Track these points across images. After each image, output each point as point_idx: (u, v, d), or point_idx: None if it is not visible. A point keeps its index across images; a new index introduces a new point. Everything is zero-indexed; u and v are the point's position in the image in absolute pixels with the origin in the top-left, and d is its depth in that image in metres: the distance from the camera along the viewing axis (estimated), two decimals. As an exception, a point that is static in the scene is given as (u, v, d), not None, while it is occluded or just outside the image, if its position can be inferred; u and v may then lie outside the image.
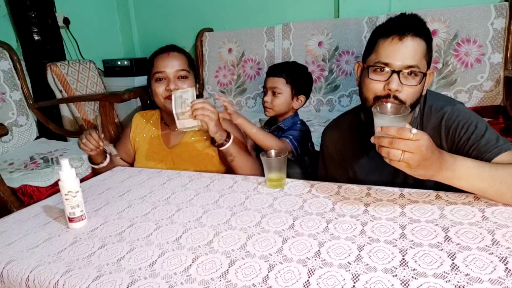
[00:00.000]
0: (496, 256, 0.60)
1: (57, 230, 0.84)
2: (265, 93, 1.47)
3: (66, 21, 2.50)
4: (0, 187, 1.40)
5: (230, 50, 2.55)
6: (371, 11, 2.14)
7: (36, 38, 2.25)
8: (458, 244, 0.65)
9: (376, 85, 0.89)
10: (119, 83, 2.57)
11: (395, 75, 0.86)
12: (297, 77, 1.44)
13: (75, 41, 2.58)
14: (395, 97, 0.88)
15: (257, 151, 1.47)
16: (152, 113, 1.38)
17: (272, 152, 0.99)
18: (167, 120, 1.31)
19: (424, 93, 0.94)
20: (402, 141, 0.70)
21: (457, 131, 0.91)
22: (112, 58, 2.77)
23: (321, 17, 2.38)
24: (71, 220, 0.83)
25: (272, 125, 1.52)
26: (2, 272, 0.71)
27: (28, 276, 0.68)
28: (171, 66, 1.22)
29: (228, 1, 2.66)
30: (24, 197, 1.48)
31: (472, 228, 0.69)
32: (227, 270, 0.63)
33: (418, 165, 0.71)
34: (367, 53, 0.95)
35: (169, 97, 1.20)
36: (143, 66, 2.72)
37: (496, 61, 1.88)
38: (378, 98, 0.89)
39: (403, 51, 0.87)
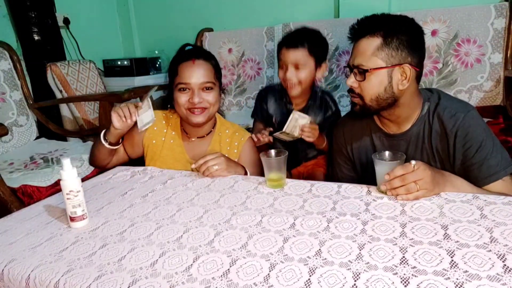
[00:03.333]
0: (495, 253, 0.61)
1: (58, 229, 0.84)
2: (283, 68, 1.32)
3: (66, 21, 2.51)
4: (0, 187, 1.40)
5: (230, 50, 2.55)
6: (371, 11, 2.13)
7: (36, 38, 2.25)
8: (457, 241, 0.65)
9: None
10: (119, 83, 2.57)
11: (351, 73, 0.99)
12: (317, 43, 1.33)
13: (75, 41, 2.58)
14: (352, 91, 1.01)
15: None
16: (171, 116, 1.28)
17: (272, 152, 0.99)
18: (188, 129, 1.25)
19: (400, 88, 0.96)
20: (410, 175, 0.80)
21: (465, 146, 0.95)
22: (112, 58, 2.77)
23: (321, 17, 2.38)
24: (72, 219, 0.84)
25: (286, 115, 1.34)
26: (3, 271, 0.71)
27: (29, 275, 0.68)
28: (197, 77, 1.13)
29: (228, 1, 2.66)
30: (24, 197, 1.48)
31: (471, 226, 0.70)
32: (228, 269, 0.64)
33: (432, 186, 0.82)
34: None
35: (190, 109, 1.15)
36: (143, 66, 2.72)
37: (496, 61, 1.88)
38: (348, 92, 1.05)
39: (354, 51, 1.00)
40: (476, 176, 0.94)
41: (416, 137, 1.01)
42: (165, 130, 1.26)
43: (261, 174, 1.18)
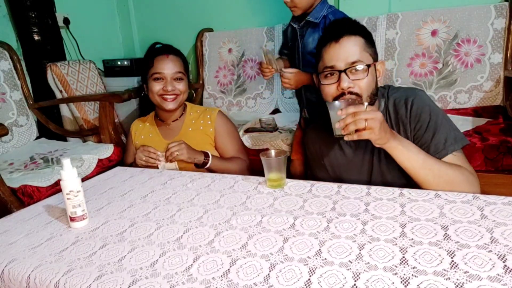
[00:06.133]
0: (495, 253, 0.61)
1: (58, 229, 0.84)
2: None
3: (66, 21, 2.50)
4: (0, 187, 1.40)
5: (230, 50, 2.55)
6: (371, 11, 2.15)
7: (36, 38, 2.25)
8: (457, 242, 0.65)
9: (329, 88, 0.97)
10: (119, 83, 2.57)
11: (343, 75, 0.94)
12: None
13: (75, 41, 2.58)
14: (350, 93, 0.95)
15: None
16: (147, 116, 1.49)
17: (272, 152, 0.99)
18: (162, 116, 1.40)
19: (381, 83, 0.99)
20: (361, 113, 0.83)
21: (416, 127, 0.96)
22: (112, 58, 2.77)
23: (321, 17, 2.38)
24: (72, 219, 0.84)
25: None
26: (3, 271, 0.71)
27: (29, 275, 0.68)
28: (170, 68, 1.31)
29: (228, 1, 2.66)
30: (24, 197, 1.48)
31: (471, 226, 0.70)
32: (228, 269, 0.64)
33: (380, 128, 0.84)
34: (316, 64, 1.02)
35: (163, 96, 1.31)
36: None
37: (496, 61, 1.88)
38: (336, 99, 0.96)
39: (342, 51, 0.94)
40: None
41: None
42: (142, 129, 1.45)
43: (238, 142, 1.43)
